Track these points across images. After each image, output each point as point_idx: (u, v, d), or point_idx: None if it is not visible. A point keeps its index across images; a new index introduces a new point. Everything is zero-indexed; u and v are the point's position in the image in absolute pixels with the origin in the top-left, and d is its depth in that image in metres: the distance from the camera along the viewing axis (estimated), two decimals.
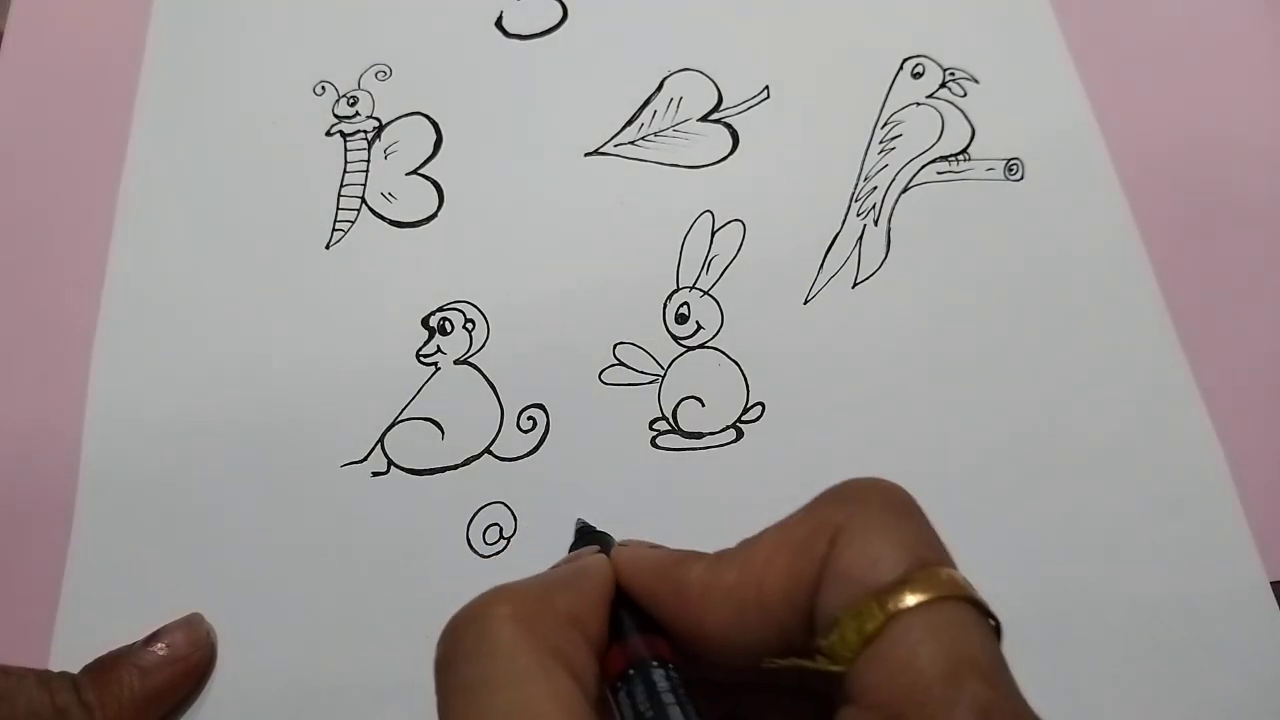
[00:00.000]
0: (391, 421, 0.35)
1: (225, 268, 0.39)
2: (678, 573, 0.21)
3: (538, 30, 0.42)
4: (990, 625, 0.18)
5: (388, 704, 0.31)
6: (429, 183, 0.40)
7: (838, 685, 0.18)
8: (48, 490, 0.35)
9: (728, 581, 0.20)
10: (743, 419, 0.35)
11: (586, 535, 0.25)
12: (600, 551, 0.23)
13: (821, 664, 0.18)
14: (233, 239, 0.39)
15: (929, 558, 0.19)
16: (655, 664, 0.20)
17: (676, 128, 0.40)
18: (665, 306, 0.36)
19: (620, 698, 0.20)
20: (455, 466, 0.35)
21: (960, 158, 0.38)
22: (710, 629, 0.20)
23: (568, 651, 0.19)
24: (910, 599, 0.18)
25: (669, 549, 0.22)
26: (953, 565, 0.19)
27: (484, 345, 0.36)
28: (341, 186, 0.40)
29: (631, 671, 0.20)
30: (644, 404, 0.35)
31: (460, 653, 0.19)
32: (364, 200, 0.40)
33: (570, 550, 0.25)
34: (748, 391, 0.35)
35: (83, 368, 0.37)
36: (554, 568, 0.23)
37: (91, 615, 0.33)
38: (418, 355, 0.37)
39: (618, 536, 0.33)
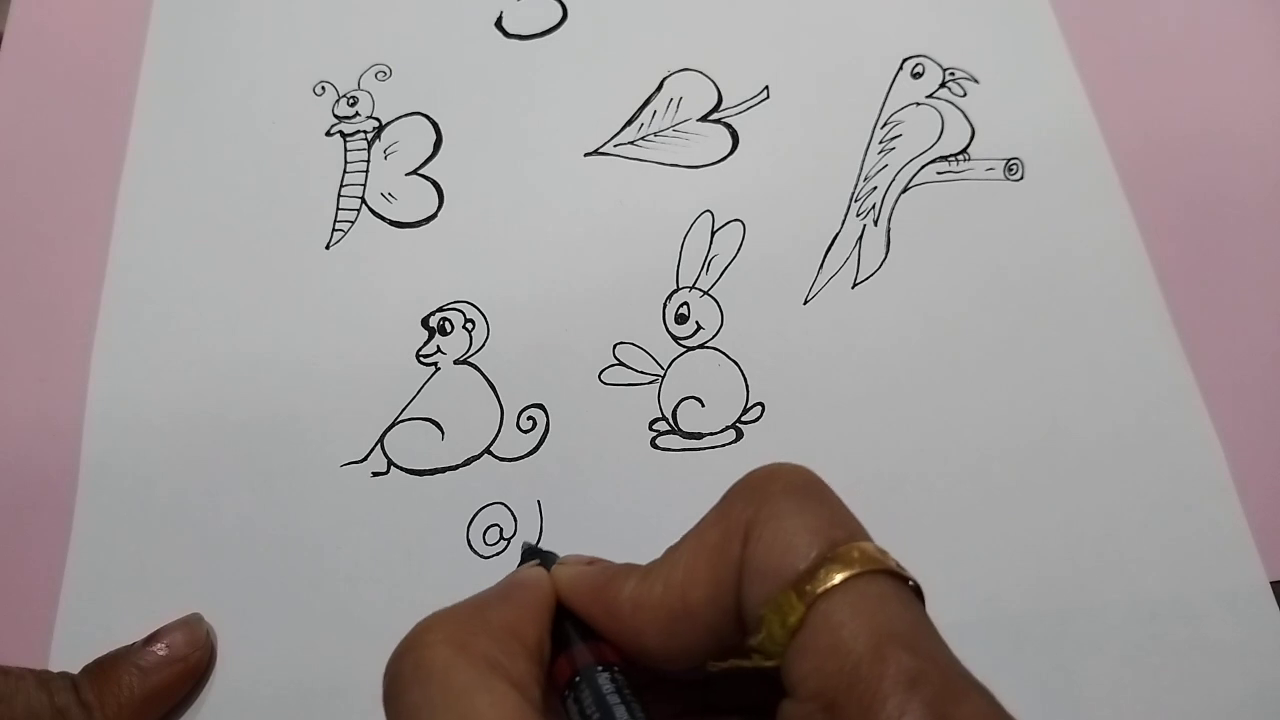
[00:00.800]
0: (391, 421, 0.35)
1: (225, 267, 0.39)
2: (610, 591, 0.21)
3: (538, 30, 0.42)
4: (911, 590, 0.19)
5: None
6: (429, 183, 0.40)
7: (779, 679, 0.18)
8: (48, 490, 0.35)
9: (655, 595, 0.20)
10: (743, 419, 0.35)
11: (530, 554, 0.25)
12: (540, 566, 0.24)
13: (757, 662, 0.18)
14: (232, 239, 0.39)
15: (837, 536, 0.19)
16: (600, 668, 0.20)
17: (676, 128, 0.40)
18: (665, 306, 0.36)
19: (569, 705, 0.20)
20: (455, 467, 0.35)
21: (960, 158, 0.38)
22: (647, 644, 0.20)
23: (505, 663, 0.19)
24: (826, 582, 0.18)
25: (604, 565, 0.22)
26: (865, 537, 0.19)
27: (484, 345, 0.36)
28: (341, 186, 0.40)
29: (578, 678, 0.20)
30: (644, 404, 0.35)
31: (401, 684, 0.19)
32: (364, 200, 0.40)
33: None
34: (748, 392, 0.35)
35: (83, 367, 0.37)
36: (490, 588, 0.23)
37: (91, 615, 0.33)
38: (418, 355, 0.37)
39: (618, 536, 0.33)
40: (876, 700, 0.16)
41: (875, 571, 0.18)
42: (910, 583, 0.19)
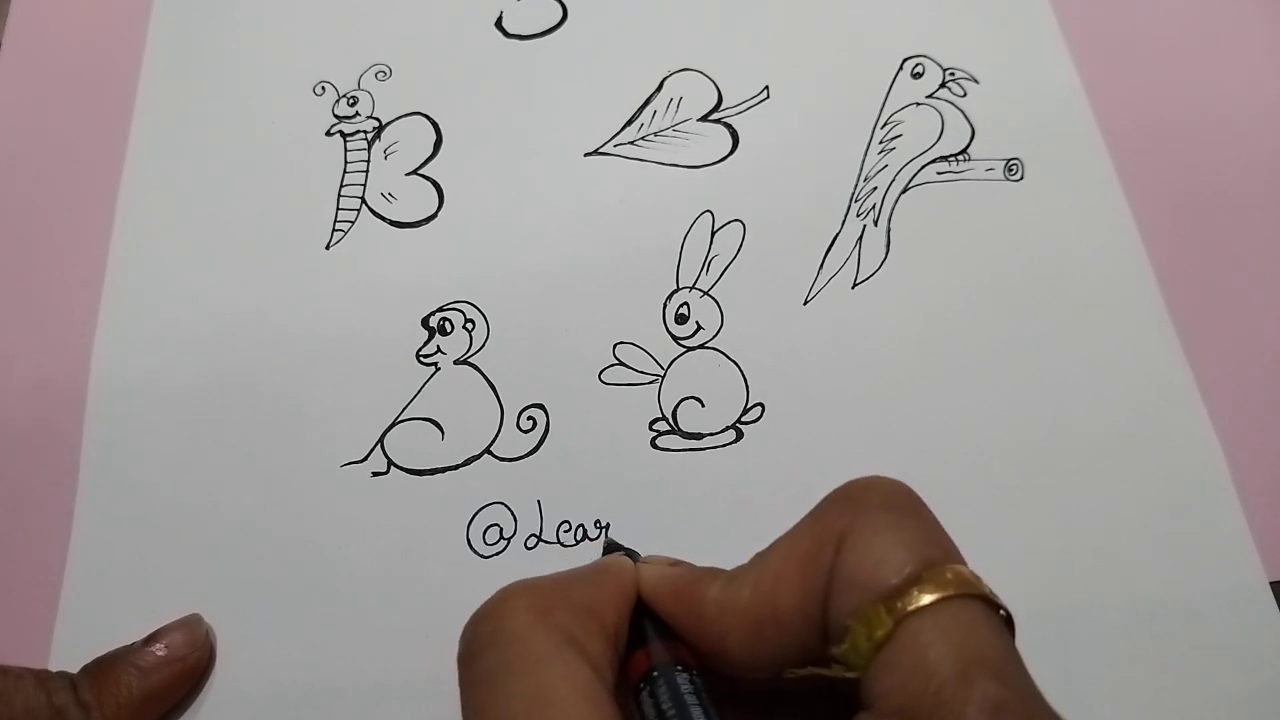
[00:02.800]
0: (391, 421, 0.35)
1: (225, 267, 0.39)
2: (694, 593, 0.21)
3: (538, 30, 0.42)
4: (1001, 619, 0.18)
5: (388, 704, 0.31)
6: (429, 183, 0.40)
7: (856, 690, 0.18)
8: (48, 490, 0.35)
9: (743, 601, 0.20)
10: (743, 419, 0.35)
11: (612, 549, 0.25)
12: (626, 556, 0.24)
13: (837, 672, 0.18)
14: (232, 239, 0.39)
15: (934, 556, 0.19)
16: (679, 669, 0.20)
17: (676, 128, 0.40)
18: (665, 306, 0.36)
19: (643, 699, 0.20)
20: (455, 466, 0.35)
21: (960, 158, 0.38)
22: (730, 647, 0.20)
23: (582, 640, 0.19)
24: (917, 600, 0.18)
25: (688, 567, 0.22)
26: (960, 560, 0.19)
27: (484, 345, 0.36)
28: (341, 186, 0.40)
29: (655, 674, 0.20)
30: (644, 404, 0.35)
31: (479, 645, 0.19)
32: (364, 200, 0.40)
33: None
34: (748, 392, 0.35)
35: (82, 367, 0.37)
36: (577, 567, 0.23)
37: (91, 615, 0.33)
38: (418, 355, 0.36)
39: (618, 536, 0.33)
40: None
41: (968, 596, 0.18)
42: (1002, 611, 0.19)
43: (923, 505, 0.20)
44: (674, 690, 0.20)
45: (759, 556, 0.21)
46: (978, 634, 0.18)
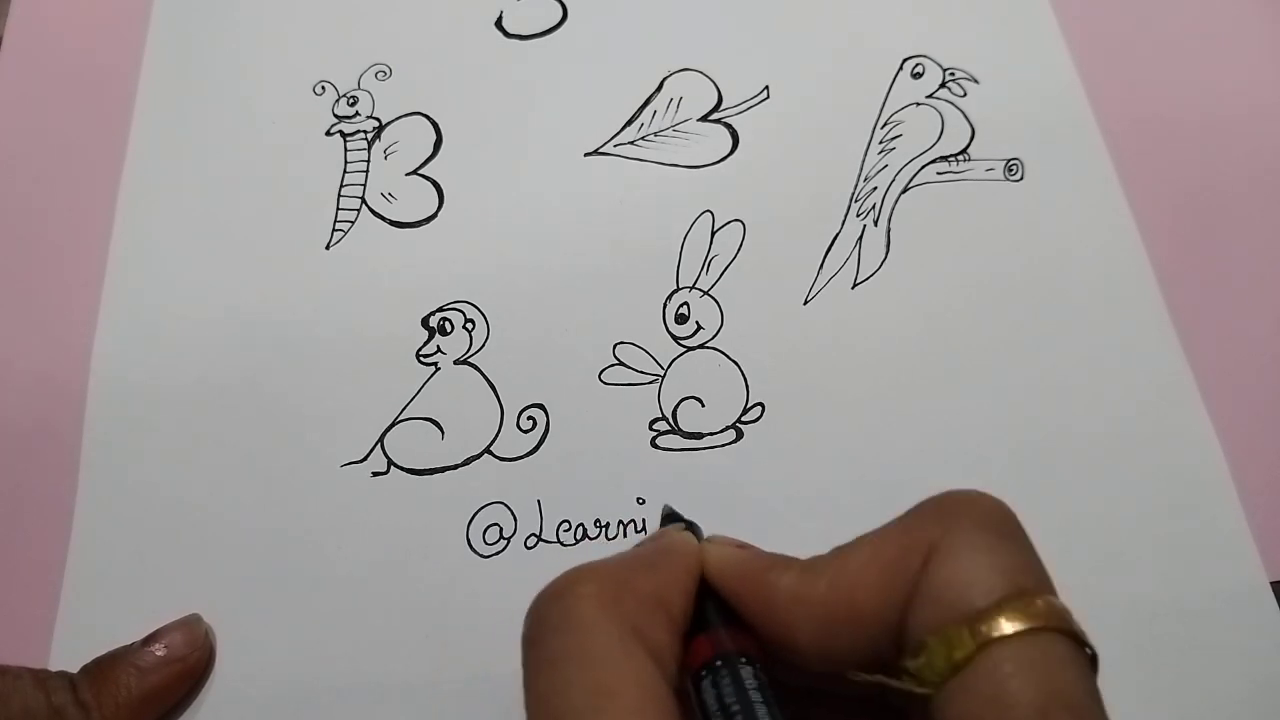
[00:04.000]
0: (391, 421, 0.35)
1: (225, 268, 0.39)
2: (767, 578, 0.20)
3: (538, 30, 0.42)
4: (1086, 657, 0.18)
5: (387, 704, 0.31)
6: (429, 183, 0.40)
7: (920, 706, 0.18)
8: (48, 490, 0.35)
9: (818, 593, 0.20)
10: (743, 419, 0.35)
11: (670, 519, 0.25)
12: (689, 532, 0.23)
13: (907, 684, 0.18)
14: (232, 239, 0.39)
15: (1026, 584, 0.18)
16: (743, 660, 0.20)
17: (676, 128, 0.40)
18: (665, 306, 0.36)
19: (704, 686, 0.20)
20: (455, 466, 0.35)
21: (960, 158, 0.38)
22: (799, 638, 0.20)
23: (648, 632, 0.19)
24: (1003, 628, 0.17)
25: (756, 550, 0.22)
26: (1052, 591, 0.18)
27: (484, 345, 0.36)
28: (341, 186, 0.40)
29: (719, 663, 0.20)
30: (644, 404, 0.35)
31: (545, 629, 0.19)
32: (364, 200, 0.40)
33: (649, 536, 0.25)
34: (748, 392, 0.35)
35: (83, 367, 0.37)
36: (638, 546, 0.22)
37: (91, 615, 0.33)
38: (418, 355, 0.36)
39: (618, 536, 0.33)
40: None
41: (1056, 630, 0.17)
42: (1088, 650, 0.18)
43: (1020, 529, 0.19)
44: (738, 684, 0.19)
45: (838, 552, 0.20)
46: (1062, 671, 0.17)
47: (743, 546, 0.22)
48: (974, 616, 0.17)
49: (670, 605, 0.20)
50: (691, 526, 0.24)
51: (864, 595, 0.19)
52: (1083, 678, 0.17)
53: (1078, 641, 0.18)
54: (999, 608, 0.17)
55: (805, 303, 0.36)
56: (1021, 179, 0.38)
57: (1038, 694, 0.17)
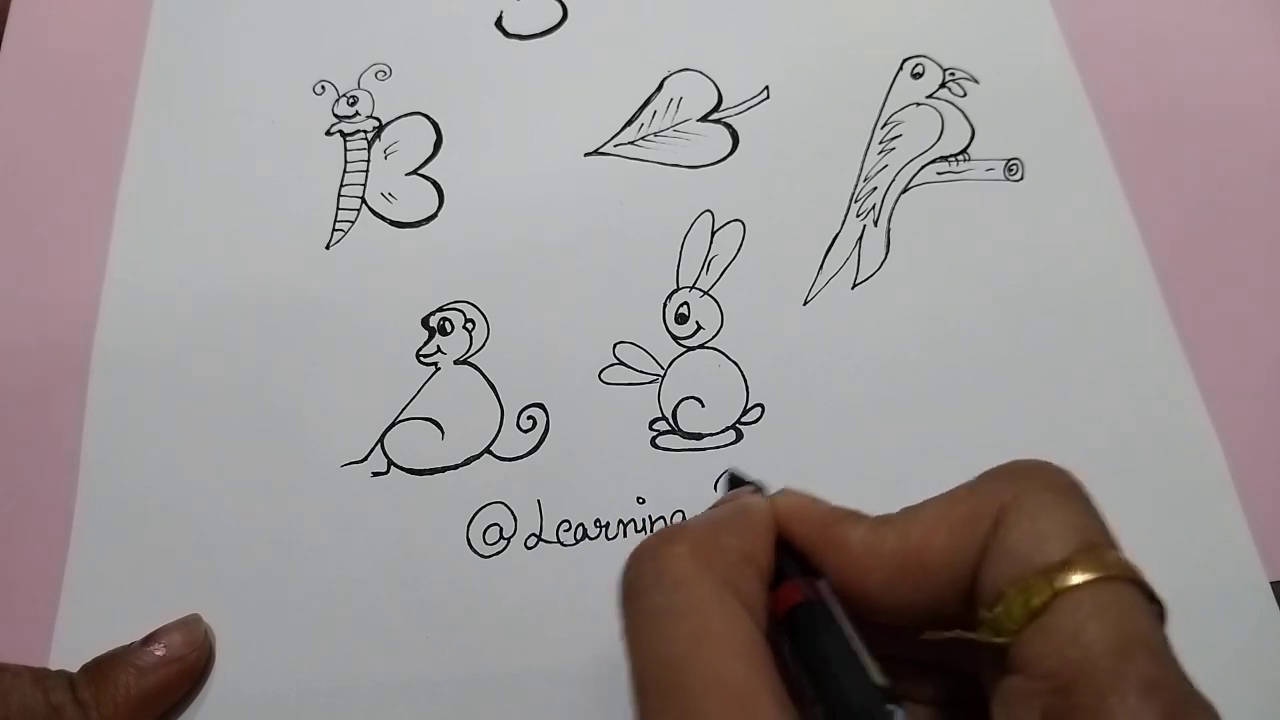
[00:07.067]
0: (391, 421, 0.35)
1: (225, 268, 0.39)
2: (840, 529, 0.21)
3: (538, 30, 0.42)
4: (1155, 610, 0.19)
5: (387, 704, 0.31)
6: (429, 183, 0.40)
7: (996, 657, 0.19)
8: (48, 490, 0.35)
9: (889, 545, 0.21)
10: (743, 419, 0.35)
11: (736, 482, 0.25)
12: (756, 493, 0.24)
13: (983, 635, 0.19)
14: (233, 239, 0.39)
15: (1096, 539, 0.19)
16: (824, 604, 0.21)
17: (676, 128, 0.40)
18: (665, 306, 0.36)
19: (798, 627, 0.20)
20: (455, 466, 0.35)
21: (960, 158, 0.38)
22: (869, 588, 0.21)
23: (739, 584, 0.20)
24: (1078, 577, 0.18)
25: (826, 503, 0.23)
26: (1119, 549, 0.19)
27: (484, 345, 0.36)
28: (341, 186, 0.40)
29: (808, 606, 0.21)
30: (644, 404, 0.35)
31: (642, 585, 0.20)
32: (364, 200, 0.40)
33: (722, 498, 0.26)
34: (747, 392, 0.35)
35: (83, 368, 0.37)
36: (711, 509, 0.23)
37: (91, 615, 0.33)
38: (418, 355, 0.36)
39: (617, 536, 0.33)
40: (1114, 694, 0.17)
41: (1127, 579, 0.18)
42: (1157, 606, 0.19)
43: (1086, 493, 0.21)
44: (829, 622, 0.20)
45: (907, 511, 0.21)
46: (1136, 616, 0.18)
47: (815, 501, 0.23)
48: (1050, 568, 0.18)
49: (756, 559, 0.21)
50: (758, 486, 0.25)
51: (933, 553, 0.20)
52: (1155, 624, 0.18)
53: (1147, 595, 0.19)
54: (1073, 560, 0.18)
55: (805, 303, 0.36)
56: (1021, 179, 0.38)
57: (1116, 634, 0.17)
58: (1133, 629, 0.18)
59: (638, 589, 0.20)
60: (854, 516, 0.22)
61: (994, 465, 0.33)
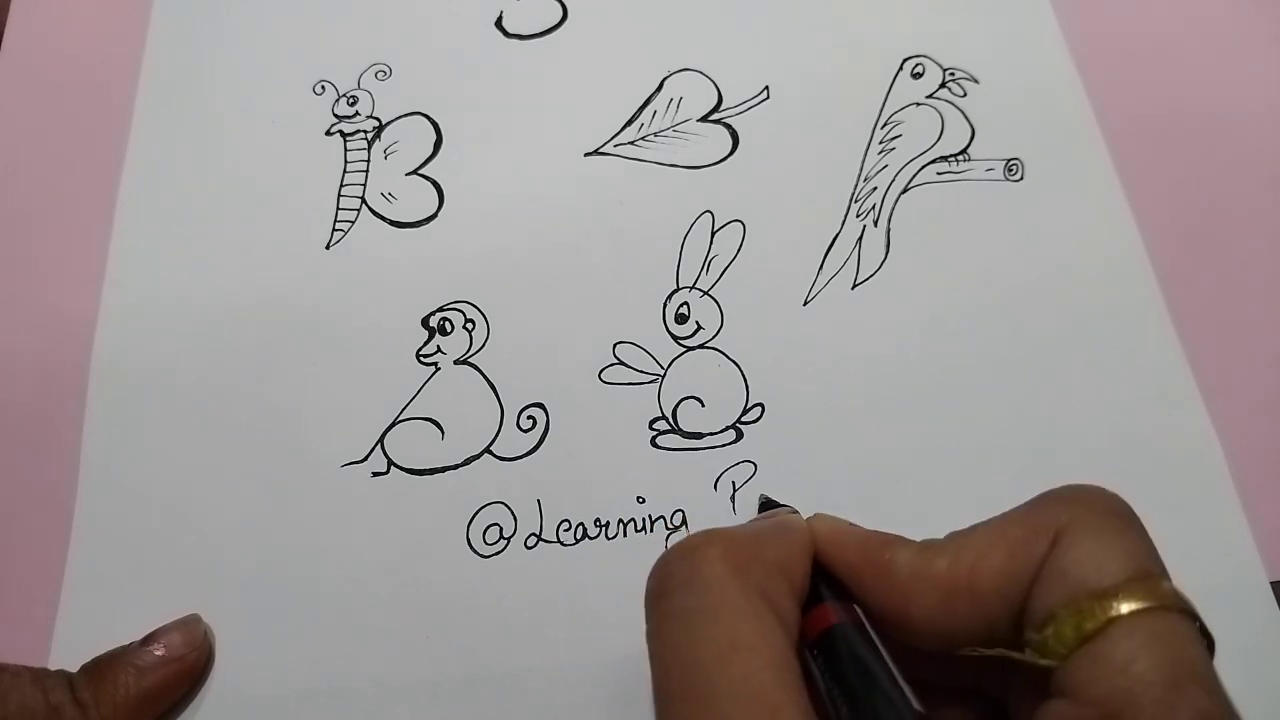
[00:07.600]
0: (391, 421, 0.35)
1: (225, 268, 0.39)
2: (884, 554, 0.21)
3: (538, 30, 0.42)
4: (1205, 644, 0.19)
5: (387, 704, 0.31)
6: (429, 183, 0.40)
7: (1037, 680, 0.19)
8: (48, 490, 0.35)
9: (938, 570, 0.20)
10: (743, 419, 0.35)
11: (769, 505, 0.25)
12: (794, 515, 0.24)
13: (1030, 657, 0.19)
14: (232, 239, 0.39)
15: (1151, 568, 0.19)
16: (857, 628, 0.21)
17: (676, 128, 0.40)
18: (665, 306, 0.36)
19: (835, 648, 0.20)
20: (455, 466, 0.35)
21: (960, 158, 0.38)
22: (914, 613, 0.20)
23: (773, 596, 0.19)
24: (1131, 605, 0.18)
25: (868, 529, 0.23)
26: (1170, 579, 0.19)
27: (484, 345, 0.36)
28: (341, 186, 0.40)
29: (841, 630, 0.20)
30: (644, 404, 0.35)
31: (673, 584, 0.20)
32: (364, 200, 0.40)
33: (758, 516, 0.26)
34: (747, 392, 0.35)
35: (83, 367, 0.37)
36: (750, 522, 0.23)
37: (91, 615, 0.33)
38: (418, 355, 0.36)
39: (616, 536, 0.33)
40: None
41: (1180, 611, 0.18)
42: (1207, 637, 0.19)
43: (1139, 521, 0.21)
44: (867, 641, 0.20)
45: (956, 535, 0.21)
46: (1189, 648, 0.18)
47: (852, 525, 0.23)
48: (1103, 593, 0.18)
49: (792, 574, 0.21)
50: (793, 510, 0.25)
51: (986, 575, 0.20)
52: (1207, 659, 0.18)
53: (1198, 627, 0.19)
54: (1127, 586, 0.18)
55: (805, 303, 0.36)
56: (1021, 179, 0.38)
57: (1168, 664, 0.17)
58: (1186, 662, 0.18)
59: (667, 587, 0.20)
60: (899, 541, 0.21)
61: (993, 465, 0.34)
